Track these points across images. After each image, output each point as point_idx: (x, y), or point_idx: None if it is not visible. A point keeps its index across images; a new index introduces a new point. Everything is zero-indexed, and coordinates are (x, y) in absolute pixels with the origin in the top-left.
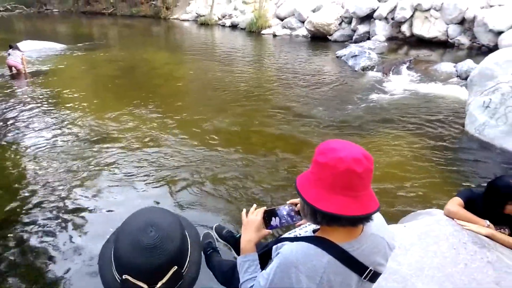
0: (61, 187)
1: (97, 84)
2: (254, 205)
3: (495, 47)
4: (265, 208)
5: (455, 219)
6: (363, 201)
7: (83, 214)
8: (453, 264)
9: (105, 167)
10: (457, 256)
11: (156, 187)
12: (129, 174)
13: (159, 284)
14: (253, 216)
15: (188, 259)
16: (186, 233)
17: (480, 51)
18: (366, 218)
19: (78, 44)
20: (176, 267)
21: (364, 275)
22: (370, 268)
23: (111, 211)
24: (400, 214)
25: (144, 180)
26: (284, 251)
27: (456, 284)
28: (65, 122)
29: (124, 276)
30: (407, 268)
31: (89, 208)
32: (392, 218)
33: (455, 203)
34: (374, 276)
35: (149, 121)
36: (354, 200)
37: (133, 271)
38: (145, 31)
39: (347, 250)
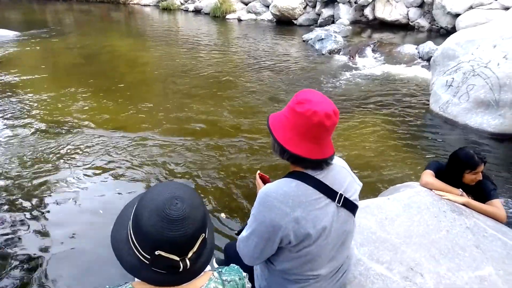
0: (20, 179)
1: (58, 73)
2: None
3: (453, 29)
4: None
5: (432, 190)
6: (323, 147)
7: (45, 206)
8: (436, 231)
9: (70, 158)
10: (439, 224)
11: (121, 176)
12: (96, 164)
13: (190, 253)
14: None
15: (207, 226)
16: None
17: (439, 33)
18: (326, 161)
19: (33, 31)
20: (203, 234)
21: (337, 199)
22: (339, 192)
23: (75, 202)
24: (377, 189)
25: (111, 170)
26: (261, 189)
27: (441, 249)
28: (26, 112)
29: (157, 252)
30: (395, 237)
31: (51, 200)
32: (371, 193)
33: (429, 175)
34: (349, 204)
35: (117, 110)
36: (317, 146)
37: (165, 245)
38: (104, 17)
39: (313, 175)
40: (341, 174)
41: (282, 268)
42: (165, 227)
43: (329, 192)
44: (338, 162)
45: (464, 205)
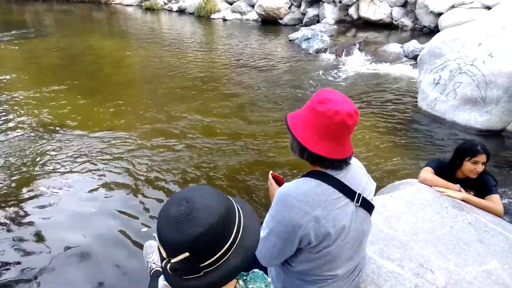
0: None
1: (42, 74)
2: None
3: (436, 28)
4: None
5: (433, 187)
6: (344, 146)
7: (34, 210)
8: (440, 227)
9: (52, 159)
10: (442, 220)
11: (107, 175)
12: (82, 165)
13: (173, 260)
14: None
15: (230, 242)
16: (237, 213)
17: (422, 32)
18: (345, 161)
19: (13, 32)
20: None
21: (355, 198)
22: (358, 192)
23: (55, 203)
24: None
25: (96, 171)
26: (280, 188)
27: (447, 245)
28: (2, 113)
29: (156, 240)
30: (403, 234)
31: (38, 204)
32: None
33: (428, 172)
34: (367, 204)
35: (105, 111)
36: (338, 146)
37: (159, 238)
38: (86, 17)
39: (332, 175)
40: (359, 174)
41: (301, 269)
42: (162, 221)
43: (348, 192)
44: (355, 162)
45: (464, 200)
